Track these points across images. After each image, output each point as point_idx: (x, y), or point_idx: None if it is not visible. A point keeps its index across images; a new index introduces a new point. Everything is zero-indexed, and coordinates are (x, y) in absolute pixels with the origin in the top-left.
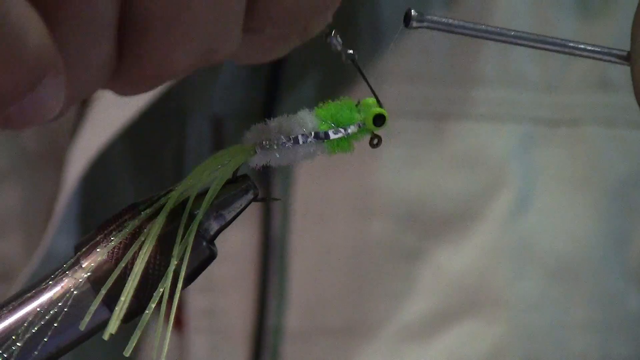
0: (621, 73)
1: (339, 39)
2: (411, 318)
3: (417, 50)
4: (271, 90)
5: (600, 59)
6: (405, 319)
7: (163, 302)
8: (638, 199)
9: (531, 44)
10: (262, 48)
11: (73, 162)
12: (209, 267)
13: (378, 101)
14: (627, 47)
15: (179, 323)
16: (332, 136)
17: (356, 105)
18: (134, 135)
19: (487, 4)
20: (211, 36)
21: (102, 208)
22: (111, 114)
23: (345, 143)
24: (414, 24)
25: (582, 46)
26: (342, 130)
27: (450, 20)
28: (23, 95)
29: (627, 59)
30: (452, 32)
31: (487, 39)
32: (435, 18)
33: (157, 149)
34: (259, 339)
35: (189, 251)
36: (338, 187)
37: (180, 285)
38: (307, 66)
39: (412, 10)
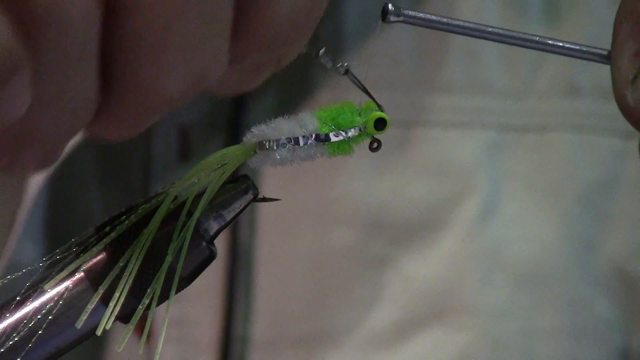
0: (590, 79)
1: (330, 56)
2: (378, 326)
3: (383, 57)
4: (237, 99)
5: (579, 57)
6: (372, 327)
7: (154, 298)
8: (606, 205)
9: (508, 40)
10: (239, 79)
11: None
12: None
13: (378, 106)
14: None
15: (150, 337)
16: (333, 139)
17: (357, 109)
18: (100, 144)
19: (455, 12)
20: (200, 61)
21: (69, 216)
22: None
23: (345, 146)
24: (391, 18)
25: (561, 44)
26: (343, 133)
27: (428, 15)
28: None
29: (607, 57)
30: (428, 27)
31: (462, 34)
32: (412, 13)
33: (124, 157)
34: (227, 349)
35: (186, 246)
36: (304, 195)
37: (176, 280)
38: (271, 75)
39: (389, 5)
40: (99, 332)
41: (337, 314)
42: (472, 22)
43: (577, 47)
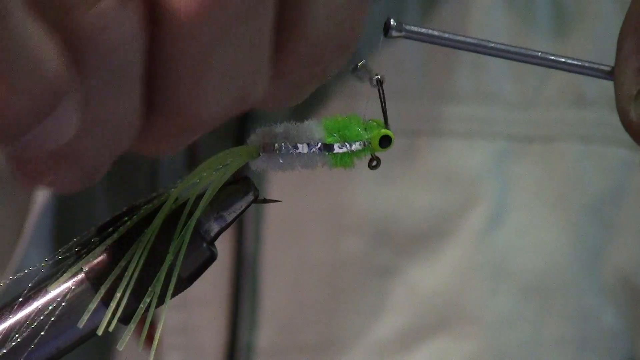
0: (597, 89)
1: (368, 67)
2: (384, 335)
3: (390, 66)
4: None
5: (582, 73)
6: (377, 335)
7: (154, 298)
8: (612, 215)
9: (510, 56)
10: (281, 96)
11: None
12: None
13: (386, 123)
14: (604, 60)
15: (152, 340)
16: (337, 150)
17: (363, 123)
18: None
19: (464, 22)
20: (242, 82)
21: (76, 223)
22: None
23: (347, 159)
24: (394, 33)
25: (564, 60)
26: (347, 145)
27: (430, 31)
28: (40, 119)
29: (611, 73)
30: (431, 42)
31: (465, 50)
32: (414, 28)
33: (131, 166)
34: (232, 356)
35: (185, 246)
36: (311, 203)
37: (174, 279)
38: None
39: (392, 20)
40: (100, 332)
41: (343, 322)
42: (474, 38)
43: (580, 63)
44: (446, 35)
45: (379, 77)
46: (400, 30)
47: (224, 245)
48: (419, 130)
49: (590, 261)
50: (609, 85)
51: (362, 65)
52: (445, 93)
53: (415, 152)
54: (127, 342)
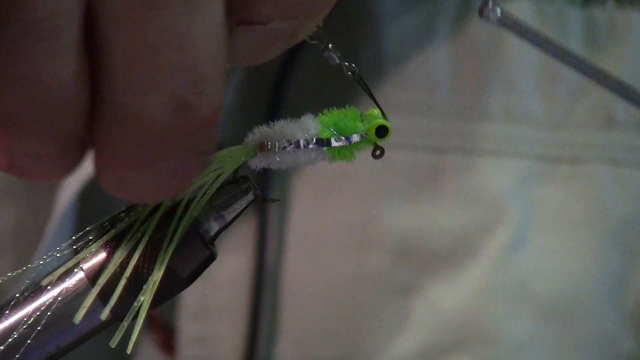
0: (627, 112)
1: (337, 53)
2: (403, 352)
3: (421, 82)
4: (271, 116)
5: None
6: (397, 352)
7: (148, 296)
8: (636, 241)
9: (586, 71)
10: (251, 49)
11: (67, 183)
12: (203, 296)
13: (382, 113)
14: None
15: (171, 350)
16: (334, 143)
17: (360, 115)
18: None
19: (496, 41)
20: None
21: None
22: None
23: (346, 152)
24: (491, 15)
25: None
26: (344, 138)
27: (526, 25)
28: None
29: None
30: (521, 36)
31: (555, 57)
32: (511, 15)
33: None
34: None
35: (177, 240)
36: (334, 218)
37: (162, 262)
38: (307, 92)
39: (490, 1)
40: (114, 344)
41: (362, 338)
42: (569, 50)
43: None
44: (540, 36)
45: (353, 66)
46: (495, 14)
47: (245, 257)
48: (447, 148)
49: (612, 287)
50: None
51: (331, 48)
52: (475, 111)
53: (442, 170)
54: (119, 340)
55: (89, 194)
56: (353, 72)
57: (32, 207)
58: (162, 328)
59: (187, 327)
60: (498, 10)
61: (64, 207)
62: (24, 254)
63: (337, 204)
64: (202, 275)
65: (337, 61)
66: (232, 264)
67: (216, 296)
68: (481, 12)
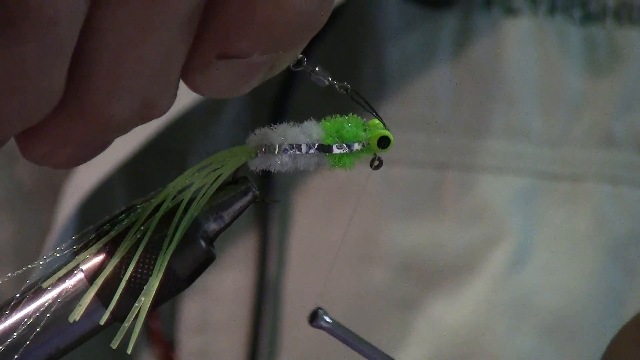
0: (627, 130)
1: (326, 74)
2: None
3: (422, 99)
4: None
5: None
6: None
7: (148, 296)
8: (636, 259)
9: None
10: (230, 81)
11: (67, 198)
12: (204, 310)
13: (384, 124)
14: (635, 102)
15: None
16: (335, 151)
17: (363, 124)
18: (133, 173)
19: (497, 58)
20: (151, 88)
21: None
22: (108, 150)
23: (347, 160)
24: (321, 323)
25: None
26: (346, 146)
27: (347, 331)
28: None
29: None
30: (343, 341)
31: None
32: (337, 324)
33: (156, 187)
34: None
35: (176, 240)
36: (335, 233)
37: (163, 261)
38: (309, 106)
39: (320, 310)
40: (114, 345)
41: None
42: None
43: None
44: (357, 337)
45: (345, 83)
46: (327, 322)
47: (246, 271)
48: (448, 164)
49: (612, 304)
50: (638, 126)
51: (319, 70)
52: (476, 127)
53: (444, 186)
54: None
55: (88, 209)
56: (346, 90)
57: (33, 219)
58: (163, 342)
59: (188, 341)
60: (327, 318)
61: (63, 222)
62: (25, 264)
63: (339, 219)
64: (203, 289)
65: (326, 83)
66: (233, 278)
67: (217, 310)
68: (311, 322)
